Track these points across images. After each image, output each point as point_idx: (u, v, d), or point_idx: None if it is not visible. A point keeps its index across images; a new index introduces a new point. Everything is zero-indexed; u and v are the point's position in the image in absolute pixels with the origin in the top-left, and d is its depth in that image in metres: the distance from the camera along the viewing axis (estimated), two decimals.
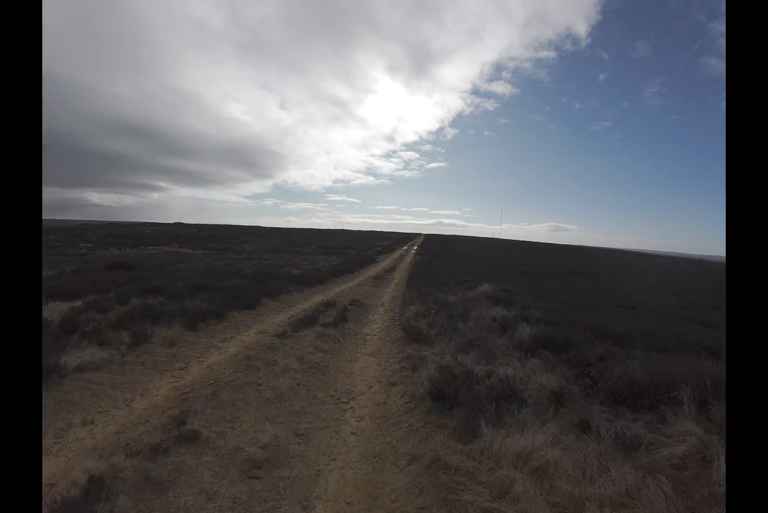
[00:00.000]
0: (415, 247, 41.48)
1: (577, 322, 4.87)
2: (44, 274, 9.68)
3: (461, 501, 2.27)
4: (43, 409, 3.53)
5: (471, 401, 3.21)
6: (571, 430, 2.91)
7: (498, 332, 4.89)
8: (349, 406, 3.78)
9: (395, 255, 30.42)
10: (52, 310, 5.86)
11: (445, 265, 19.21)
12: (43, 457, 2.91)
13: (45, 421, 3.35)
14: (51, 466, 2.77)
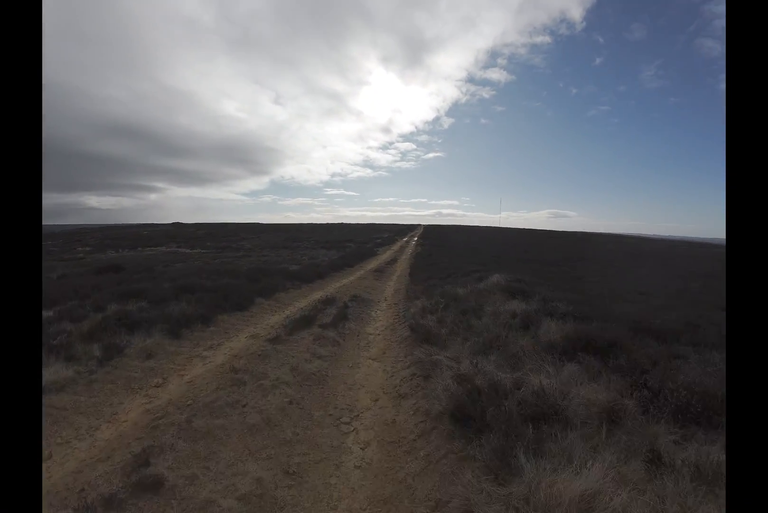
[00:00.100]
0: (416, 238, 40.84)
1: (608, 316, 4.23)
2: None
3: None
4: None
5: (502, 423, 2.58)
6: (635, 461, 2.28)
7: (520, 330, 4.25)
8: (352, 428, 3.16)
9: (396, 247, 29.81)
10: None
11: (447, 255, 18.57)
12: None
13: None
14: None
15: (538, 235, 59.91)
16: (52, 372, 4.06)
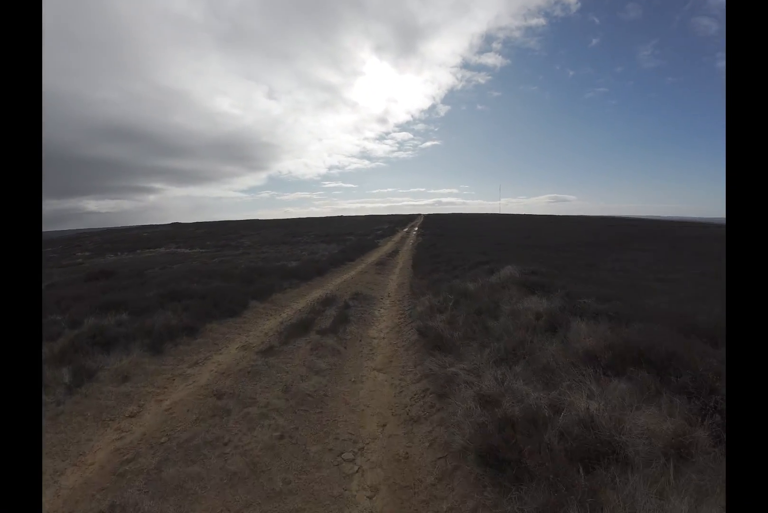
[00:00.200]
0: (416, 228, 40.25)
1: (646, 314, 3.65)
2: None
3: None
4: None
5: (544, 467, 2.03)
6: (710, 508, 1.74)
7: (546, 334, 3.68)
8: (356, 467, 2.61)
9: (396, 237, 29.25)
10: None
11: (450, 244, 17.97)
12: None
13: None
14: None
15: (539, 221, 59.10)
16: None
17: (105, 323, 5.25)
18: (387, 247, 21.50)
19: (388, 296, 8.75)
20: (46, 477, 2.80)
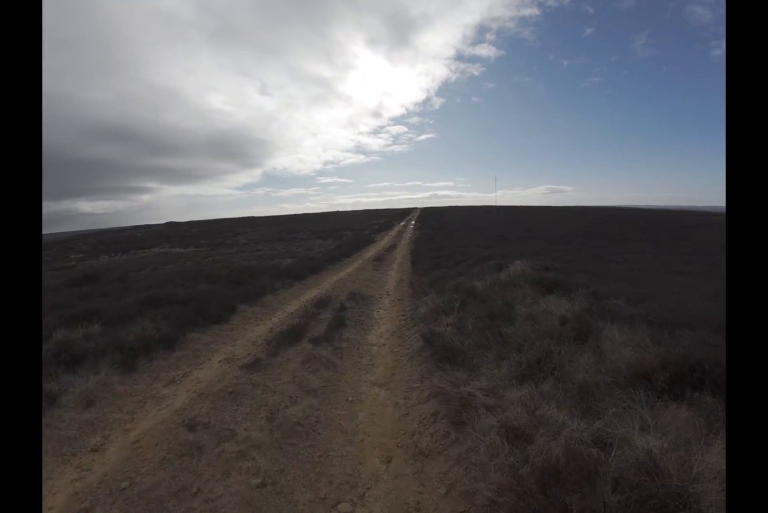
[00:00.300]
0: (413, 222, 39.76)
1: (694, 319, 3.12)
2: None
3: None
4: None
5: None
6: None
7: (575, 343, 3.15)
8: None
9: (393, 232, 28.75)
10: None
11: (449, 238, 17.45)
12: None
13: None
14: None
15: (536, 212, 58.67)
16: None
17: (73, 337, 4.69)
18: (384, 241, 21.01)
19: (387, 295, 8.24)
20: None
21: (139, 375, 4.15)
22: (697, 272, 8.13)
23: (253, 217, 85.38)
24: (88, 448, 3.01)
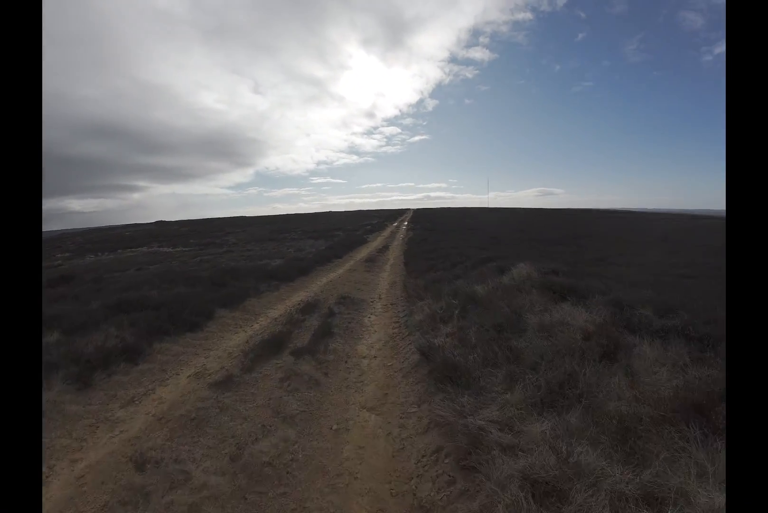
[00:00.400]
0: (406, 223, 39.37)
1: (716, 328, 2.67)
2: None
3: None
4: None
5: None
6: None
7: (601, 362, 2.66)
8: None
9: (386, 232, 28.27)
10: None
11: (443, 239, 17.00)
12: None
13: None
14: None
15: (529, 214, 58.57)
16: None
17: None
18: (377, 242, 20.53)
19: (380, 298, 7.72)
20: None
21: (95, 393, 3.59)
22: (698, 275, 7.74)
23: (245, 216, 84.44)
24: None
